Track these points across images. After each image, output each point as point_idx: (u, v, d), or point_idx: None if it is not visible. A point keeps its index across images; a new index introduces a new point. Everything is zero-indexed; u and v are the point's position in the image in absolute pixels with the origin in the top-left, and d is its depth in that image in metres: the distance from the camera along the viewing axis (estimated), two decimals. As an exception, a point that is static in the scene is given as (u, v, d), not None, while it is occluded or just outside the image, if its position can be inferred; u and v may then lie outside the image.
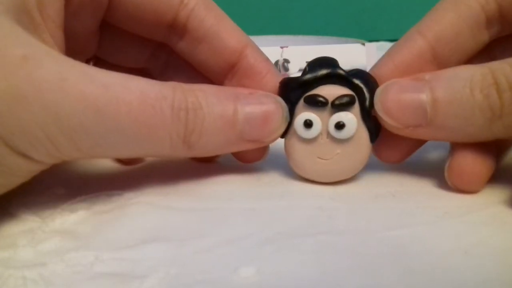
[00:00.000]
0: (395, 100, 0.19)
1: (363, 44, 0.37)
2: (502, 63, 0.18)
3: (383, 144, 0.21)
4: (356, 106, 0.20)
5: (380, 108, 0.19)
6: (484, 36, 0.21)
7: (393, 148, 0.21)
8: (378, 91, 0.20)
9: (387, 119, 0.19)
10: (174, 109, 0.18)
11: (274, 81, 0.21)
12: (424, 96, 0.18)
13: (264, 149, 0.22)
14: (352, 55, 0.36)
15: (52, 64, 0.16)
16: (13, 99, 0.15)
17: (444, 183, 0.20)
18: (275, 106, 0.20)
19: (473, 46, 0.21)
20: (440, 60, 0.20)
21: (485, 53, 0.22)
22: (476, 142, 0.19)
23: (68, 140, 0.16)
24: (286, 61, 0.36)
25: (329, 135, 0.20)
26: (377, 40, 0.54)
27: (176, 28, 0.22)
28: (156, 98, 0.17)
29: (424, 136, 0.20)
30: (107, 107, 0.16)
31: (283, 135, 0.21)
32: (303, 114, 0.20)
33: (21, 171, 0.17)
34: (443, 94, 0.18)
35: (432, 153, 0.23)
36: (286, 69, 0.36)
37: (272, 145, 0.22)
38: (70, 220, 0.18)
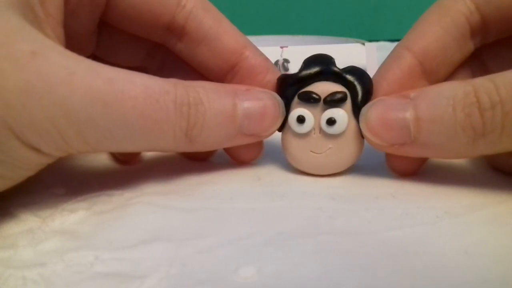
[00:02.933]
0: (379, 119, 0.19)
1: (363, 44, 0.37)
2: (485, 80, 0.18)
3: (396, 156, 0.21)
4: (348, 102, 0.21)
5: (364, 127, 0.20)
6: (469, 46, 0.21)
7: (405, 158, 0.21)
8: (363, 110, 0.20)
9: (372, 138, 0.20)
10: (176, 104, 0.18)
11: (275, 79, 0.22)
12: (408, 115, 0.19)
13: (259, 149, 0.23)
14: (352, 55, 0.36)
15: (60, 59, 0.16)
16: (24, 93, 0.15)
17: (444, 183, 0.21)
18: (272, 101, 0.21)
19: (459, 57, 0.21)
20: (429, 74, 0.21)
21: (473, 59, 0.22)
22: (461, 158, 0.19)
23: (77, 133, 0.16)
24: (286, 61, 0.36)
25: (321, 130, 0.21)
26: (377, 40, 0.54)
27: (175, 29, 0.22)
28: (160, 92, 0.18)
29: (410, 154, 0.20)
30: (113, 101, 0.17)
31: (280, 129, 0.22)
32: (297, 110, 0.21)
33: (30, 164, 0.17)
34: (426, 112, 0.18)
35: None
36: (286, 69, 0.36)
37: (272, 145, 0.22)
38: (70, 220, 0.18)
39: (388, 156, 0.21)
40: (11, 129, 0.15)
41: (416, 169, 0.21)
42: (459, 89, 0.18)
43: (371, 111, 0.20)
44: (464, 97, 0.18)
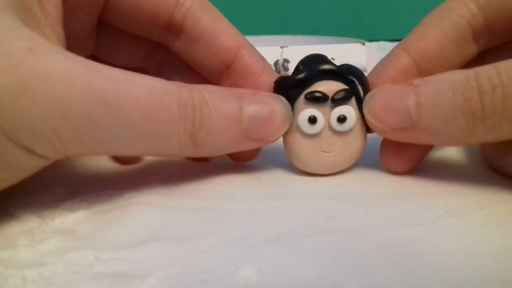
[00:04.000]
0: (382, 104, 0.20)
1: (363, 44, 0.37)
2: (488, 66, 0.18)
3: (391, 155, 0.21)
4: (352, 99, 0.21)
5: (367, 111, 0.20)
6: (471, 49, 0.21)
7: (400, 157, 0.21)
8: (367, 96, 0.20)
9: (373, 122, 0.20)
10: (181, 105, 0.18)
11: (270, 80, 0.22)
12: (410, 100, 0.19)
13: (258, 149, 0.22)
14: (352, 55, 0.36)
15: (58, 57, 0.16)
16: (17, 91, 0.15)
17: (444, 183, 0.21)
18: (279, 105, 0.20)
19: (459, 59, 0.21)
20: (425, 75, 0.21)
21: (477, 62, 0.22)
22: (463, 145, 0.19)
23: (75, 135, 0.16)
24: (286, 61, 0.36)
25: (330, 128, 0.21)
26: (377, 40, 0.54)
27: (172, 28, 0.22)
28: (163, 93, 0.17)
29: (411, 139, 0.20)
30: (115, 100, 0.16)
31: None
32: (306, 110, 0.21)
33: (24, 166, 0.16)
34: (426, 97, 0.18)
35: (432, 153, 0.23)
36: (286, 69, 0.36)
37: (272, 146, 0.22)
38: (70, 220, 0.18)
39: (382, 153, 0.21)
40: (2, 129, 0.15)
41: (411, 168, 0.21)
42: (461, 75, 0.18)
43: (374, 97, 0.20)
44: (465, 82, 0.17)
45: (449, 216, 0.18)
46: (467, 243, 0.16)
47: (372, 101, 0.20)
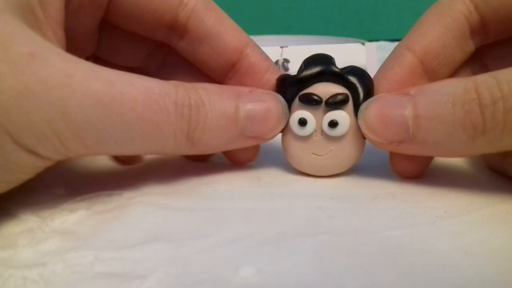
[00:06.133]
0: (378, 116, 0.19)
1: (363, 44, 0.37)
2: (487, 76, 0.17)
3: (401, 160, 0.21)
4: (350, 103, 0.20)
5: (362, 123, 0.20)
6: (470, 46, 0.21)
7: (411, 162, 0.21)
8: (362, 107, 0.20)
9: (370, 135, 0.20)
10: (177, 106, 0.18)
11: (275, 79, 0.22)
12: (407, 112, 0.18)
13: (256, 150, 0.22)
14: (352, 55, 0.36)
15: (58, 61, 0.16)
16: (21, 95, 0.15)
17: (443, 184, 0.21)
18: (275, 103, 0.20)
19: (460, 56, 0.21)
20: (430, 73, 0.21)
21: (474, 60, 0.22)
22: (462, 157, 0.19)
23: (75, 136, 0.16)
24: (286, 61, 0.36)
25: (323, 132, 0.21)
26: (377, 40, 0.54)
27: (177, 28, 0.22)
28: (160, 94, 0.18)
29: (409, 152, 0.19)
30: (112, 103, 0.16)
31: (280, 130, 0.21)
32: (298, 112, 0.21)
33: (27, 168, 0.17)
34: (424, 110, 0.18)
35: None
36: (286, 69, 0.36)
37: (272, 146, 0.22)
38: (70, 220, 0.18)
39: (392, 158, 0.21)
40: (7, 132, 0.15)
41: (420, 171, 0.21)
42: (459, 86, 0.17)
43: (369, 108, 0.20)
44: (464, 94, 0.17)
45: (449, 216, 0.18)
46: (467, 243, 0.16)
47: (368, 112, 0.20)
